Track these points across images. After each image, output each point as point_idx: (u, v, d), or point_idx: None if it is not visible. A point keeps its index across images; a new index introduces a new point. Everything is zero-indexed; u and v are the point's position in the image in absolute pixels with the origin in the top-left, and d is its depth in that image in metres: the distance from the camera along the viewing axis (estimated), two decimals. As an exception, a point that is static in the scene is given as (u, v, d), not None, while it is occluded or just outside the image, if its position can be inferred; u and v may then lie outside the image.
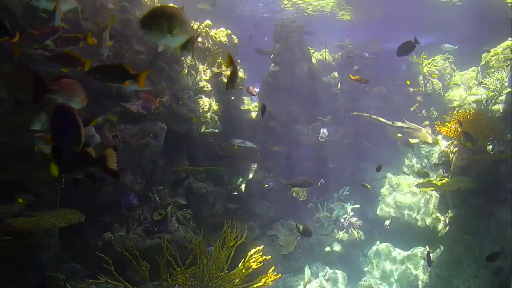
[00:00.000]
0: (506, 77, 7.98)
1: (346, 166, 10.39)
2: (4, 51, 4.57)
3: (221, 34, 9.18)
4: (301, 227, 6.63)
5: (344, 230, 9.00)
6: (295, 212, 9.30)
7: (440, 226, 7.90)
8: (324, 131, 8.73)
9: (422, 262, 8.16)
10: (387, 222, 8.90)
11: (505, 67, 8.35)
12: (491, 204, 6.48)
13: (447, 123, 7.11)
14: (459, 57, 11.14)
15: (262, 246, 4.99)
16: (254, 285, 4.56)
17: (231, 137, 7.90)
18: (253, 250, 4.85)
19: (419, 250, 8.37)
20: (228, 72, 3.67)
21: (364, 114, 9.71)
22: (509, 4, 10.70)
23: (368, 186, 8.10)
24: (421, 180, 9.55)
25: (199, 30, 8.58)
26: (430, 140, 8.33)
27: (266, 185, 8.88)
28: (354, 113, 9.85)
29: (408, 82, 10.26)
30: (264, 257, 4.81)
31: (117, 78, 3.69)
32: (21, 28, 4.79)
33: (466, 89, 9.83)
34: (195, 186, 7.40)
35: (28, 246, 4.75)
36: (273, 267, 4.74)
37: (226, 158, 8.20)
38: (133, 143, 6.08)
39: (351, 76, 7.79)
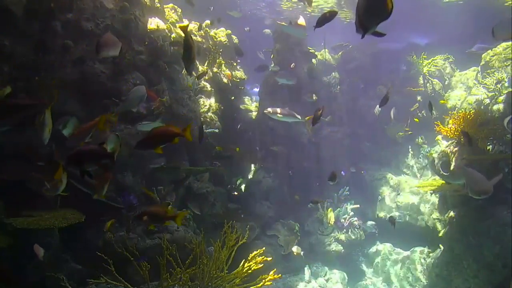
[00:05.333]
0: (506, 77, 7.97)
1: (346, 166, 10.40)
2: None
3: (221, 34, 9.18)
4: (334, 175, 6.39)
5: (344, 230, 9.00)
6: (295, 212, 9.31)
7: (440, 226, 7.89)
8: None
9: (422, 261, 8.17)
10: (370, 224, 8.73)
11: (505, 67, 8.34)
12: (491, 204, 6.47)
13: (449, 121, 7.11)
14: (459, 57, 11.13)
15: (264, 248, 4.98)
16: (254, 286, 4.56)
17: (231, 138, 7.89)
18: (255, 252, 4.84)
19: (419, 250, 8.37)
20: None
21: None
22: (509, 2, 10.70)
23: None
24: (421, 180, 9.57)
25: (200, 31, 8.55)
26: None
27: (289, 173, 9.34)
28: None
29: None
30: (264, 258, 4.80)
31: None
32: (21, 31, 4.80)
33: (466, 89, 9.82)
34: (195, 186, 7.40)
35: (28, 246, 4.75)
36: (275, 269, 4.74)
37: (226, 158, 8.20)
38: (133, 143, 6.08)
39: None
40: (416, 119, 9.85)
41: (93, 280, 4.43)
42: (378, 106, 9.47)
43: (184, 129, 3.51)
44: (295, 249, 8.30)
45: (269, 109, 7.85)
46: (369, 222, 8.54)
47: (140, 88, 5.33)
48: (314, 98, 9.42)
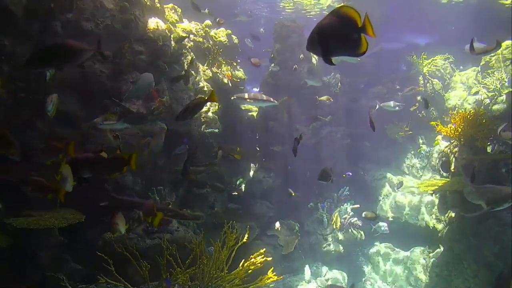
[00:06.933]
0: (506, 77, 7.98)
1: (346, 166, 10.39)
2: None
3: (221, 34, 9.17)
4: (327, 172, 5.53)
5: (344, 230, 8.99)
6: (295, 212, 9.31)
7: (440, 226, 7.89)
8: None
9: (422, 261, 8.16)
10: (382, 225, 8.67)
11: (505, 67, 8.35)
12: (491, 204, 6.47)
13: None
14: (459, 57, 11.12)
15: (264, 249, 4.98)
16: (254, 286, 4.57)
17: (231, 138, 7.86)
18: (255, 254, 4.84)
19: (419, 250, 8.36)
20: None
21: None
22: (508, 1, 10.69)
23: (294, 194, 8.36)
24: (421, 180, 9.56)
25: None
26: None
27: (344, 175, 9.19)
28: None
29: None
30: (264, 258, 4.81)
31: None
32: (21, 31, 4.80)
33: (466, 89, 9.82)
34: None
35: (28, 246, 4.75)
36: (272, 268, 4.75)
37: (226, 158, 8.19)
38: (133, 143, 6.08)
39: None
40: (432, 123, 9.87)
41: (103, 280, 4.42)
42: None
43: (129, 157, 3.47)
44: (277, 224, 8.52)
45: (236, 95, 7.40)
46: (381, 223, 8.54)
47: (148, 75, 5.14)
48: (331, 100, 9.49)
